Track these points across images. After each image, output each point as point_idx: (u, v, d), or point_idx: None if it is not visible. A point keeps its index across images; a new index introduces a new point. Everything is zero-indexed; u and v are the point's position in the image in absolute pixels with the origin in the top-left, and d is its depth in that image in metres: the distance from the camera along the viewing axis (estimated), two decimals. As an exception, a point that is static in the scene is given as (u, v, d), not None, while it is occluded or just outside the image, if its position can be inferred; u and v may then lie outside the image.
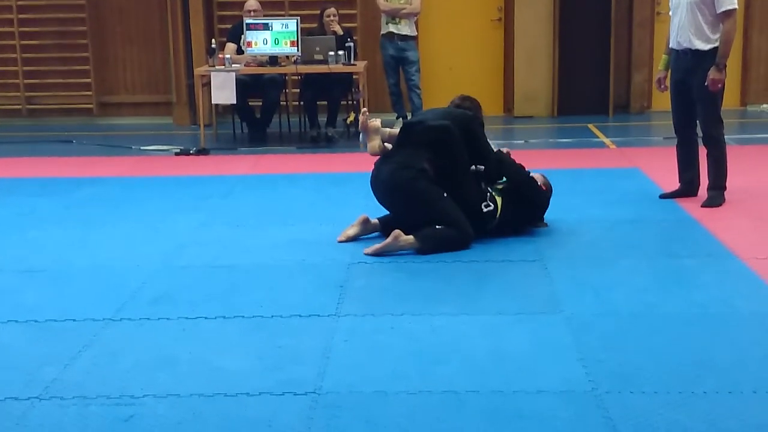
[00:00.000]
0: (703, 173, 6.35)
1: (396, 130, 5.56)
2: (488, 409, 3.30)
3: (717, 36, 5.97)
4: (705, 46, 5.99)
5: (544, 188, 5.65)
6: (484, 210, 5.36)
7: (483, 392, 3.44)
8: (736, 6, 5.97)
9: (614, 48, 10.40)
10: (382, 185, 5.43)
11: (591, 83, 10.52)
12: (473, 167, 5.49)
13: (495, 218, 5.40)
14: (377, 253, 5.18)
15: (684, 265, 4.96)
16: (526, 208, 5.56)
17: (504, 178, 5.57)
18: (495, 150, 5.66)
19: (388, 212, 5.56)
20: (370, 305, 4.41)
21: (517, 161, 5.71)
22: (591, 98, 10.53)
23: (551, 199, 5.74)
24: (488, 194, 5.44)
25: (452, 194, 5.32)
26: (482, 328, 4.07)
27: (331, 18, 9.17)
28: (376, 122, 5.49)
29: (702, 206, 6.13)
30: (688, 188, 6.37)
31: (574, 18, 10.47)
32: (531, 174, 5.69)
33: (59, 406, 3.40)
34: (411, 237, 5.19)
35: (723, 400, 3.35)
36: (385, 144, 5.47)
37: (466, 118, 5.55)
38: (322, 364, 3.72)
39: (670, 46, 6.23)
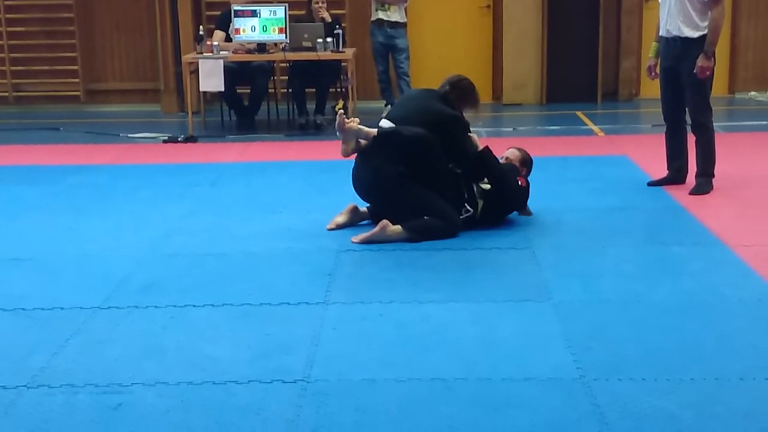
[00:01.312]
0: (691, 161, 6.36)
1: (373, 131, 5.29)
2: (476, 397, 3.31)
3: (706, 23, 5.97)
4: (694, 34, 6.00)
5: (523, 183, 5.60)
6: (462, 215, 5.34)
7: (471, 380, 3.44)
8: (724, -7, 5.98)
9: (603, 35, 10.40)
10: (364, 189, 5.42)
11: (579, 70, 10.53)
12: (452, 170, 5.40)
13: (473, 220, 5.38)
14: (365, 242, 5.18)
15: (672, 252, 4.97)
16: (507, 208, 5.56)
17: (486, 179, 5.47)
18: (481, 148, 5.47)
19: (375, 203, 5.56)
20: (358, 293, 4.41)
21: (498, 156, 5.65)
22: (579, 85, 10.54)
23: (539, 185, 5.75)
24: (468, 197, 5.38)
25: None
26: (471, 316, 4.08)
27: (320, 5, 9.14)
28: (353, 123, 5.25)
29: (690, 194, 6.14)
30: (676, 176, 6.39)
31: (563, 5, 10.47)
32: (504, 159, 5.66)
33: (47, 395, 3.39)
34: (398, 227, 5.19)
35: (710, 387, 3.36)
36: (361, 141, 5.30)
37: (444, 118, 5.35)
38: (310, 351, 3.72)
39: (660, 33, 6.24)
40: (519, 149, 5.83)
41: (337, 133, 5.32)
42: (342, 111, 5.38)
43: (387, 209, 5.34)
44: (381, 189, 5.32)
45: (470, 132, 5.52)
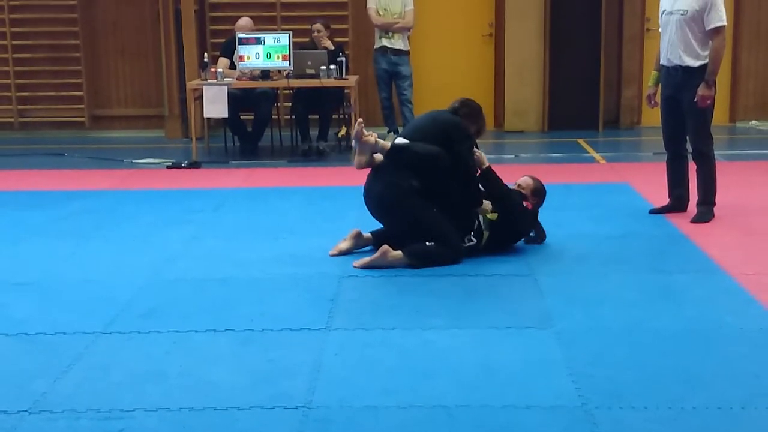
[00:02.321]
0: (692, 189, 6.38)
1: (388, 144, 5.47)
2: (478, 424, 3.31)
3: (707, 53, 6.01)
4: (695, 63, 6.04)
5: (529, 206, 5.61)
6: (466, 243, 5.36)
7: (473, 406, 3.44)
8: (726, 23, 6.02)
9: (604, 64, 10.46)
10: (375, 201, 5.44)
11: (581, 98, 10.57)
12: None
13: (477, 249, 5.40)
14: (366, 267, 5.20)
15: (673, 280, 4.98)
16: (512, 236, 5.56)
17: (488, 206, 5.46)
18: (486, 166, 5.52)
19: (380, 226, 5.57)
20: (360, 319, 4.41)
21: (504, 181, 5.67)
22: (581, 113, 10.58)
23: (541, 212, 5.77)
24: (475, 226, 5.39)
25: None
26: (473, 343, 4.08)
27: (320, 34, 9.19)
28: (371, 137, 5.36)
29: (691, 222, 6.16)
30: (677, 204, 6.40)
31: (565, 34, 10.53)
32: (517, 187, 5.69)
33: (49, 420, 3.39)
34: (399, 253, 5.20)
35: (712, 416, 3.36)
36: (375, 156, 5.41)
37: (450, 124, 5.43)
38: (312, 378, 3.72)
39: (661, 62, 6.28)
40: (533, 178, 5.80)
41: (353, 143, 5.36)
42: (361, 120, 5.45)
43: (394, 224, 5.38)
44: (391, 203, 5.34)
45: (477, 148, 5.54)
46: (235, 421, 3.36)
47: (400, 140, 5.47)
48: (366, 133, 5.34)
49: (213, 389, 3.62)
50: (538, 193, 5.75)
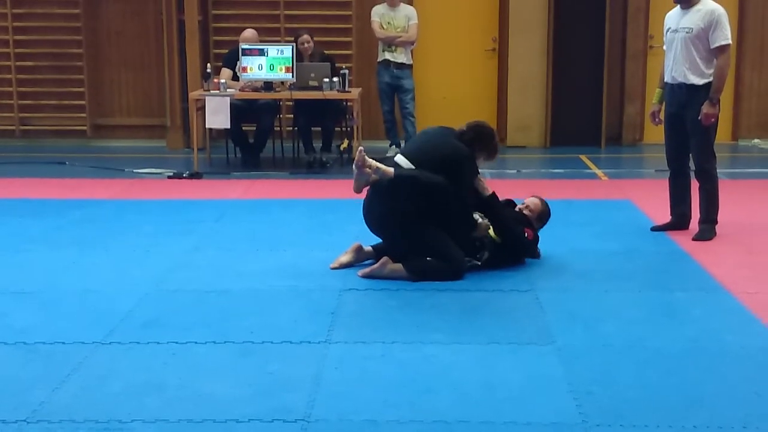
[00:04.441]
0: (694, 207, 6.37)
1: (391, 171, 5.26)
2: (478, 440, 3.30)
3: (711, 71, 6.02)
4: (699, 81, 6.04)
5: (530, 236, 5.58)
6: (469, 263, 5.35)
7: (473, 423, 3.42)
8: (730, 41, 6.03)
9: (607, 80, 10.48)
10: (375, 221, 5.43)
11: (584, 114, 10.59)
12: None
13: (477, 266, 5.39)
14: (366, 276, 5.23)
15: (675, 298, 4.96)
16: (511, 259, 5.55)
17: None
18: (489, 193, 5.47)
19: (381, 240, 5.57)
20: (361, 332, 4.40)
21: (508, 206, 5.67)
22: (583, 129, 10.60)
23: (542, 228, 5.77)
24: (478, 250, 5.39)
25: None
26: (473, 358, 4.07)
27: (308, 45, 9.21)
28: (370, 168, 5.18)
29: (693, 239, 6.15)
30: (679, 221, 6.40)
31: (568, 49, 10.55)
32: (524, 208, 5.68)
33: (47, 430, 3.37)
34: (399, 266, 5.20)
35: (713, 435, 3.34)
36: (374, 175, 5.24)
37: (454, 155, 5.31)
38: (312, 391, 3.70)
39: (665, 80, 6.28)
40: (542, 200, 5.79)
41: (354, 169, 5.25)
42: (362, 148, 5.33)
43: (396, 243, 5.36)
44: (393, 223, 5.32)
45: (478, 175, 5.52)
46: (234, 433, 3.35)
47: (401, 159, 5.42)
48: (367, 161, 5.20)
49: (212, 401, 3.61)
50: (544, 217, 5.76)
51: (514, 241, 5.48)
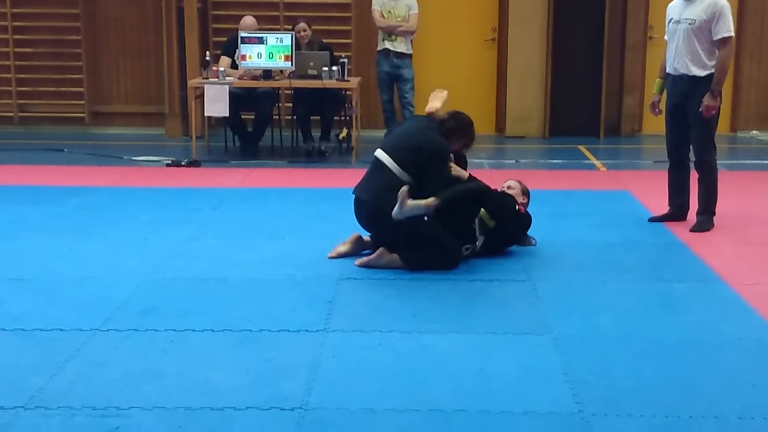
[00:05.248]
0: (693, 198, 6.38)
1: (432, 201, 5.12)
2: (474, 429, 3.31)
3: (713, 62, 6.01)
4: (701, 73, 6.03)
5: (522, 210, 5.63)
6: (465, 252, 5.35)
7: (469, 412, 3.44)
8: (733, 34, 6.01)
9: (606, 71, 10.47)
10: (364, 220, 5.44)
11: (583, 105, 10.59)
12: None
13: (473, 252, 5.40)
14: (363, 266, 5.24)
15: (672, 289, 4.97)
16: (508, 241, 5.58)
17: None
18: (467, 177, 5.46)
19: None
20: (358, 321, 4.41)
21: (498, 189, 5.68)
22: (582, 120, 10.60)
23: (540, 218, 5.77)
24: (475, 237, 5.40)
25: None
26: (470, 347, 4.08)
27: (304, 33, 9.19)
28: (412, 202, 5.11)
29: (691, 231, 6.16)
30: (677, 212, 6.40)
31: (567, 40, 10.54)
32: (506, 188, 5.70)
33: (44, 416, 3.38)
34: (395, 256, 5.21)
35: (708, 426, 3.36)
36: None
37: (428, 145, 5.26)
38: (309, 379, 3.71)
39: (667, 70, 6.27)
40: (518, 180, 5.88)
41: (396, 208, 5.13)
42: (406, 188, 5.13)
43: (390, 238, 5.33)
44: (381, 229, 5.33)
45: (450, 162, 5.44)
46: (232, 421, 3.36)
47: (379, 153, 5.36)
48: (407, 202, 5.09)
49: (209, 389, 3.62)
50: (526, 191, 5.83)
51: (510, 215, 5.49)
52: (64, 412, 3.41)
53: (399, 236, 5.24)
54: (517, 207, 5.57)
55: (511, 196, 5.66)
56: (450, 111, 5.59)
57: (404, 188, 5.11)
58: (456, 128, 5.49)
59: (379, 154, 5.40)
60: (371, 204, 5.31)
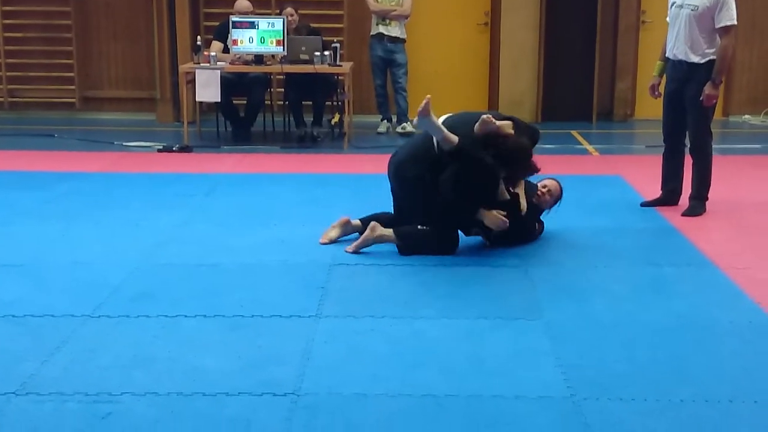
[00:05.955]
0: (685, 183, 6.38)
1: (454, 139, 5.02)
2: (466, 414, 3.31)
3: (713, 50, 5.99)
4: (700, 60, 6.01)
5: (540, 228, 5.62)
6: (486, 242, 5.37)
7: (461, 396, 3.44)
8: (736, 22, 5.98)
9: (599, 55, 10.46)
10: (392, 168, 5.41)
11: (575, 90, 10.58)
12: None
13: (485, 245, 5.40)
14: (357, 250, 5.22)
15: (664, 273, 4.98)
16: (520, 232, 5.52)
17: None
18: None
19: (369, 213, 5.55)
20: (350, 307, 4.41)
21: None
22: (575, 105, 10.59)
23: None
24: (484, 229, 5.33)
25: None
26: (462, 333, 4.08)
27: (292, 18, 9.15)
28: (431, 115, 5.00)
29: (683, 215, 6.17)
30: (669, 197, 6.41)
31: (560, 25, 10.52)
32: (540, 187, 5.62)
33: (36, 402, 3.38)
34: (390, 230, 5.20)
35: (699, 409, 3.37)
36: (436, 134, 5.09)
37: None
38: (301, 365, 3.71)
39: (666, 55, 6.25)
40: (557, 181, 5.72)
41: (416, 119, 5.06)
42: (429, 96, 5.02)
43: (401, 195, 5.37)
44: (400, 180, 5.32)
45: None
46: (224, 406, 3.36)
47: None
48: (431, 115, 4.99)
49: (202, 375, 3.61)
50: (557, 196, 5.69)
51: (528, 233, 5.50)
52: (55, 398, 3.40)
53: (412, 197, 5.23)
54: (513, 190, 5.46)
55: (533, 210, 5.53)
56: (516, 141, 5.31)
57: (428, 97, 4.98)
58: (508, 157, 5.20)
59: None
60: (402, 156, 5.34)
